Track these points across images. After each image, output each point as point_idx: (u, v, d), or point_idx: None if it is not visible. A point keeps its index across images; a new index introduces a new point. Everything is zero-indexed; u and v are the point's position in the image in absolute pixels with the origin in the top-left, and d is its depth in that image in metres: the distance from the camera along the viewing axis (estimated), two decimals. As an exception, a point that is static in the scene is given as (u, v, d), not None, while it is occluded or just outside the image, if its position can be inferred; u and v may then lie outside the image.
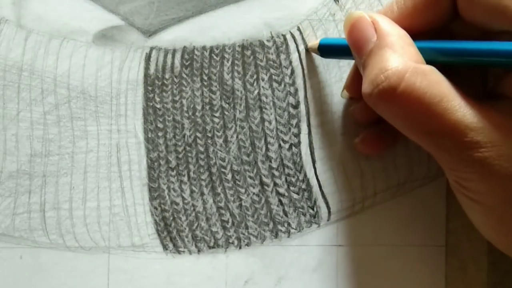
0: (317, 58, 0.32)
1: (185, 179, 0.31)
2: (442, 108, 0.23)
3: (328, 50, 0.29)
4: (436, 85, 0.23)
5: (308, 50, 0.31)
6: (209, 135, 0.31)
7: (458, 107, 0.23)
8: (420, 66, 0.24)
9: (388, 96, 0.24)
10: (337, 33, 0.32)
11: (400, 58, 0.24)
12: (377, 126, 0.30)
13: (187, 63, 0.32)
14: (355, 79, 0.30)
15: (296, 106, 0.32)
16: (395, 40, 0.24)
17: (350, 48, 0.26)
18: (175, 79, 0.31)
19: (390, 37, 0.25)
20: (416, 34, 0.25)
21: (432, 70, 0.24)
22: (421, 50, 0.25)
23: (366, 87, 0.25)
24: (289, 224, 0.32)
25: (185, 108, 0.31)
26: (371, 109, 0.25)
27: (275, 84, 0.32)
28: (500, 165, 0.23)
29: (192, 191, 0.31)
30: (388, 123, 0.26)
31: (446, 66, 0.25)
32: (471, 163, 0.23)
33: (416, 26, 0.26)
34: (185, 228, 0.31)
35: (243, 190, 0.31)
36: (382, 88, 0.24)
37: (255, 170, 0.31)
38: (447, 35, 0.27)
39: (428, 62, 0.25)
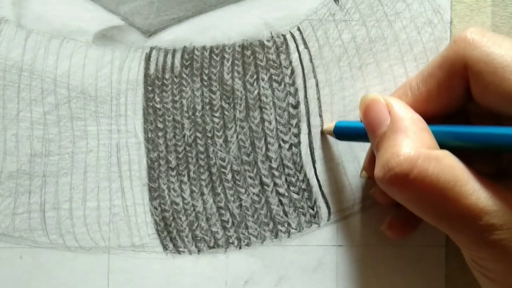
0: (317, 58, 0.32)
1: (185, 179, 0.31)
2: (455, 192, 0.23)
3: (343, 133, 0.29)
4: (449, 170, 0.23)
5: (323, 133, 0.31)
6: (209, 135, 0.31)
7: (472, 191, 0.23)
8: (433, 152, 0.24)
9: (400, 181, 0.24)
10: (337, 33, 0.32)
11: (412, 143, 0.24)
12: (400, 208, 0.30)
13: (187, 63, 0.32)
14: (373, 160, 0.30)
15: (296, 106, 0.32)
16: (409, 125, 0.25)
17: (365, 129, 0.27)
18: (175, 79, 0.31)
19: (403, 121, 0.25)
20: (430, 118, 0.26)
21: (445, 155, 0.24)
22: (436, 134, 0.25)
23: (378, 171, 0.25)
24: (289, 224, 0.32)
25: (185, 108, 0.31)
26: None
27: (275, 84, 0.32)
28: None
29: (192, 191, 0.31)
30: None
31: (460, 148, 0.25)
32: (486, 245, 0.23)
33: (430, 110, 0.26)
34: (185, 228, 0.31)
35: (243, 190, 0.31)
36: (394, 174, 0.24)
37: (255, 170, 0.31)
38: (462, 115, 0.27)
39: (443, 145, 0.25)
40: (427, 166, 0.23)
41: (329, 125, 0.30)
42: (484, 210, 0.23)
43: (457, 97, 0.25)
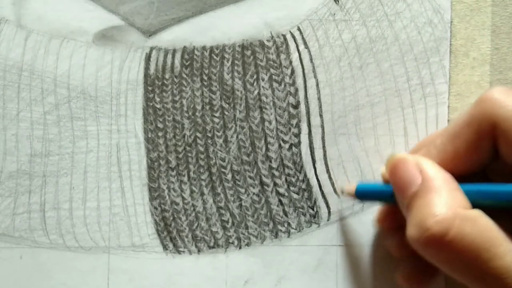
0: (317, 58, 0.32)
1: (185, 179, 0.31)
2: (491, 254, 0.23)
3: (365, 194, 0.29)
4: (485, 231, 0.23)
5: (342, 193, 0.31)
6: (209, 135, 0.31)
7: (507, 251, 0.23)
8: (469, 212, 0.24)
9: (437, 242, 0.24)
10: (337, 33, 0.32)
11: (447, 203, 0.24)
12: (416, 259, 0.29)
13: (187, 63, 0.32)
14: (388, 214, 0.30)
15: (296, 106, 0.32)
16: (441, 184, 0.25)
17: (393, 188, 0.27)
18: (175, 79, 0.31)
19: (435, 181, 0.25)
20: (458, 177, 0.25)
21: (479, 215, 0.24)
22: (467, 193, 0.25)
23: (412, 231, 0.24)
24: (289, 224, 0.32)
25: (185, 108, 0.31)
26: (406, 245, 0.25)
27: (275, 84, 0.32)
28: None
29: (192, 191, 0.31)
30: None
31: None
32: None
33: (458, 169, 0.26)
34: (185, 228, 0.31)
35: (243, 190, 0.31)
36: (430, 234, 0.23)
37: (255, 170, 0.31)
38: (481, 173, 0.27)
39: (474, 204, 0.25)
40: (464, 227, 0.23)
41: (350, 187, 0.30)
42: None
43: (485, 156, 0.25)
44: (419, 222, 0.24)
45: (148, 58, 0.31)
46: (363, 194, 0.29)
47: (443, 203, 0.24)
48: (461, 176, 0.26)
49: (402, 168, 0.26)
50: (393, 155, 0.27)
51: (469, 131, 0.25)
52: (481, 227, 0.23)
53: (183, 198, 0.31)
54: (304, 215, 0.32)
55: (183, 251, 0.31)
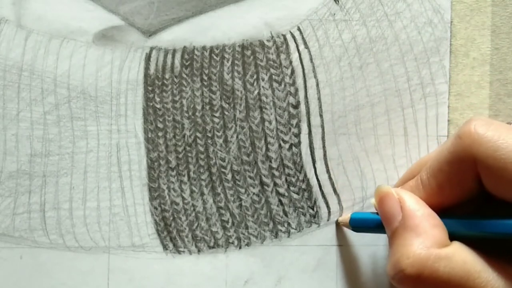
0: (317, 58, 0.32)
1: (185, 179, 0.31)
2: (469, 286, 0.23)
3: (359, 224, 0.29)
4: (461, 266, 0.24)
5: (338, 224, 0.31)
6: (209, 135, 0.31)
7: (486, 282, 0.23)
8: (443, 251, 0.24)
9: (411, 282, 0.24)
10: (337, 33, 0.32)
11: (423, 243, 0.24)
12: None
13: (187, 63, 0.32)
14: None
15: (296, 106, 0.32)
16: (419, 222, 0.25)
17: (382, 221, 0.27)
18: (175, 79, 0.31)
19: (414, 219, 0.25)
20: (445, 209, 0.26)
21: (456, 250, 0.24)
22: (449, 225, 0.25)
23: (389, 269, 0.25)
24: (289, 224, 0.32)
25: (185, 108, 0.31)
26: None
27: (275, 84, 0.32)
28: None
29: (192, 191, 0.31)
30: None
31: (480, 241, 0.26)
32: None
33: (443, 202, 0.26)
34: (185, 228, 0.31)
35: (243, 190, 0.31)
36: (404, 275, 0.24)
37: (255, 170, 0.31)
38: (478, 204, 0.27)
39: (457, 235, 0.25)
40: (437, 267, 0.23)
41: (345, 217, 0.30)
42: None
43: (469, 188, 0.25)
44: (395, 262, 0.25)
45: (148, 58, 0.31)
46: (357, 224, 0.30)
47: (419, 243, 0.24)
48: (449, 208, 0.26)
49: (385, 202, 0.26)
50: (379, 187, 0.27)
51: (451, 167, 0.25)
52: (457, 263, 0.24)
53: (183, 198, 0.31)
54: (304, 215, 0.32)
55: (183, 251, 0.31)
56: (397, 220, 0.26)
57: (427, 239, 0.24)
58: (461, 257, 0.24)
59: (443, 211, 0.26)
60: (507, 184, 0.24)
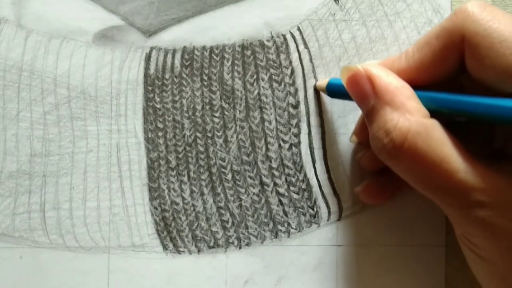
0: (317, 58, 0.32)
1: (185, 179, 0.31)
2: (443, 169, 0.23)
3: (336, 90, 0.29)
4: (437, 146, 0.24)
5: (316, 89, 0.31)
6: (209, 135, 0.31)
7: (461, 168, 0.23)
8: (423, 122, 0.24)
9: (393, 155, 0.24)
10: (337, 33, 0.32)
11: (401, 116, 0.24)
12: (380, 175, 0.31)
13: (187, 63, 0.32)
14: (363, 125, 0.30)
15: (296, 106, 0.32)
16: (394, 96, 0.25)
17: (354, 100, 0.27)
18: (175, 79, 0.31)
19: (388, 94, 0.25)
20: (420, 86, 0.26)
21: (434, 126, 0.24)
22: (424, 100, 0.25)
23: (373, 145, 0.25)
24: (289, 224, 0.32)
25: (185, 108, 0.31)
26: (377, 158, 0.26)
27: (275, 84, 0.32)
28: (503, 225, 0.23)
29: (192, 191, 0.31)
30: (391, 174, 0.26)
31: (451, 119, 0.25)
32: (475, 221, 0.23)
33: (421, 78, 0.26)
34: (185, 228, 0.31)
35: (243, 190, 0.31)
36: (388, 149, 0.24)
37: (255, 170, 0.31)
38: (455, 86, 0.27)
39: (432, 113, 0.25)
40: (416, 141, 0.24)
41: (323, 81, 0.30)
42: (473, 187, 0.23)
43: (451, 68, 0.25)
44: (377, 137, 0.25)
45: (148, 58, 0.31)
46: (334, 90, 0.29)
47: (397, 117, 0.24)
48: (425, 86, 0.26)
49: (355, 82, 0.26)
50: (344, 67, 0.27)
51: (438, 41, 0.25)
52: (434, 140, 0.24)
53: (183, 198, 0.31)
54: (304, 215, 0.32)
55: (183, 251, 0.31)
56: (371, 97, 0.25)
57: (406, 111, 0.24)
58: (439, 136, 0.24)
59: (418, 88, 0.25)
60: (490, 65, 0.23)
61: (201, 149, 0.31)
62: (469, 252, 0.25)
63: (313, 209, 0.32)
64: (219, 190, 0.31)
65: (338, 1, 0.32)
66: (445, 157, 0.23)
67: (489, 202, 0.23)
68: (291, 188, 0.32)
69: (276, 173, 0.32)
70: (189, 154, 0.31)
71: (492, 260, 0.24)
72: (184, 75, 0.32)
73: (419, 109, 0.24)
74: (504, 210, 0.23)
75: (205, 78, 0.32)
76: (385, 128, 0.24)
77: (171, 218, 0.31)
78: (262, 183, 0.32)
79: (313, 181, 0.32)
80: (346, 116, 0.32)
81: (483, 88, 0.25)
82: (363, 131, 0.30)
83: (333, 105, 0.32)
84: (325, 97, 0.32)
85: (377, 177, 0.31)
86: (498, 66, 0.23)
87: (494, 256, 0.24)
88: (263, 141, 0.32)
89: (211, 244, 0.31)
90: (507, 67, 0.23)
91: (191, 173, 0.31)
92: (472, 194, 0.23)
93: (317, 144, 0.32)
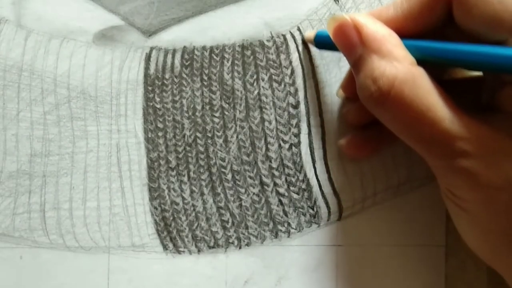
0: (317, 58, 0.32)
1: (185, 179, 0.31)
2: (429, 117, 0.23)
3: (324, 42, 0.29)
4: (424, 94, 0.24)
5: (304, 42, 0.31)
6: (209, 135, 0.31)
7: (446, 117, 0.23)
8: (410, 69, 0.24)
9: (380, 103, 0.24)
10: (337, 33, 0.32)
11: (388, 64, 0.24)
12: (365, 130, 0.31)
13: (187, 63, 0.32)
14: (351, 79, 0.30)
15: (296, 106, 0.32)
16: (381, 45, 0.25)
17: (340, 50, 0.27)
18: (175, 79, 0.31)
19: (375, 42, 0.25)
20: (408, 37, 0.26)
21: (421, 75, 0.24)
22: (411, 50, 0.25)
23: (360, 95, 0.25)
24: (289, 224, 0.32)
25: (185, 108, 0.31)
26: (363, 112, 0.26)
27: (275, 84, 0.32)
28: (487, 176, 0.23)
29: (192, 191, 0.31)
30: (376, 128, 0.26)
31: (437, 68, 0.25)
32: (459, 171, 0.24)
33: (409, 28, 0.26)
34: (185, 228, 0.31)
35: (243, 190, 0.31)
36: (375, 97, 0.24)
37: (255, 170, 0.31)
38: (441, 38, 0.27)
39: (418, 61, 0.25)
40: (402, 89, 0.24)
41: (310, 33, 0.30)
42: (458, 136, 0.23)
43: (438, 18, 0.25)
44: (364, 86, 0.25)
45: (148, 58, 0.31)
46: (322, 41, 0.29)
47: (384, 64, 0.24)
48: (414, 35, 0.26)
49: (342, 32, 0.26)
50: (331, 18, 0.26)
51: None
52: (421, 89, 0.24)
53: (183, 198, 0.31)
54: (304, 215, 0.32)
55: (183, 251, 0.31)
56: (358, 47, 0.25)
57: (393, 59, 0.24)
58: (425, 85, 0.24)
59: (407, 37, 0.25)
60: (477, 14, 0.23)
61: (201, 149, 0.31)
62: (452, 205, 0.25)
63: (313, 209, 0.32)
64: (219, 190, 0.31)
65: (338, 1, 0.32)
66: (431, 106, 0.23)
67: (473, 152, 0.23)
68: (291, 188, 0.32)
69: (276, 173, 0.32)
70: (189, 154, 0.31)
71: (474, 211, 0.24)
72: (184, 75, 0.32)
73: (406, 56, 0.24)
74: (488, 160, 0.23)
75: (205, 78, 0.32)
76: (373, 76, 0.24)
77: (171, 218, 0.31)
78: (262, 183, 0.32)
79: (313, 181, 0.32)
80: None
81: (469, 39, 0.25)
82: (350, 85, 0.30)
83: (333, 105, 0.32)
84: (325, 97, 0.32)
85: (362, 131, 0.31)
86: (486, 15, 0.23)
87: (476, 208, 0.24)
88: (263, 141, 0.32)
89: (211, 244, 0.31)
90: (495, 15, 0.23)
91: (191, 173, 0.31)
92: (457, 144, 0.23)
93: (317, 144, 0.32)
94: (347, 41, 0.26)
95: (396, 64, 0.24)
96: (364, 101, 0.25)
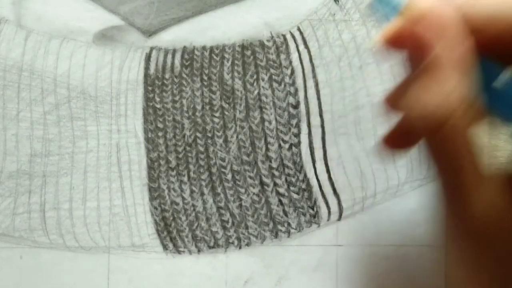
0: (317, 58, 0.32)
1: (185, 179, 0.31)
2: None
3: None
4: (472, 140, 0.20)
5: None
6: (209, 135, 0.31)
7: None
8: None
9: (434, 129, 0.20)
10: (337, 33, 0.32)
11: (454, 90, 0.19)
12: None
13: (187, 63, 0.32)
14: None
15: (296, 106, 0.32)
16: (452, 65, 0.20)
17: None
18: (175, 79, 0.31)
19: (441, 59, 0.20)
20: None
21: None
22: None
23: (419, 106, 0.21)
24: (289, 224, 0.32)
25: (185, 108, 0.31)
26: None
27: (275, 84, 0.32)
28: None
29: (192, 191, 0.31)
30: None
31: None
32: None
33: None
34: (185, 228, 0.31)
35: (243, 190, 0.31)
36: (430, 121, 0.20)
37: (255, 170, 0.31)
38: None
39: None
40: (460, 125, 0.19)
41: None
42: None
43: None
44: (422, 105, 0.20)
45: (148, 58, 0.31)
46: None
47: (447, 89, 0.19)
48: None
49: (422, 27, 0.20)
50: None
51: None
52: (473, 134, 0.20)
53: (183, 198, 0.31)
54: (304, 215, 0.32)
55: (183, 251, 0.31)
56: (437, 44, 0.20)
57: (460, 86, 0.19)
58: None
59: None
60: None
61: (201, 149, 0.31)
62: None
63: (313, 209, 0.32)
64: (219, 190, 0.31)
65: (338, 1, 0.32)
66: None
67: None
68: (291, 188, 0.32)
69: (276, 173, 0.32)
70: (189, 154, 0.31)
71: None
72: (184, 75, 0.32)
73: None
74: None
75: (205, 78, 0.32)
76: (432, 98, 0.20)
77: (171, 218, 0.31)
78: (262, 183, 0.32)
79: (313, 181, 0.32)
80: (346, 116, 0.32)
81: None
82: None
83: (333, 105, 0.32)
84: (325, 97, 0.32)
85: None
86: None
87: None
88: (263, 141, 0.32)
89: (211, 244, 0.31)
90: None
91: (191, 173, 0.31)
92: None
93: (317, 144, 0.32)
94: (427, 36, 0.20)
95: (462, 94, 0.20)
96: (421, 121, 0.20)
